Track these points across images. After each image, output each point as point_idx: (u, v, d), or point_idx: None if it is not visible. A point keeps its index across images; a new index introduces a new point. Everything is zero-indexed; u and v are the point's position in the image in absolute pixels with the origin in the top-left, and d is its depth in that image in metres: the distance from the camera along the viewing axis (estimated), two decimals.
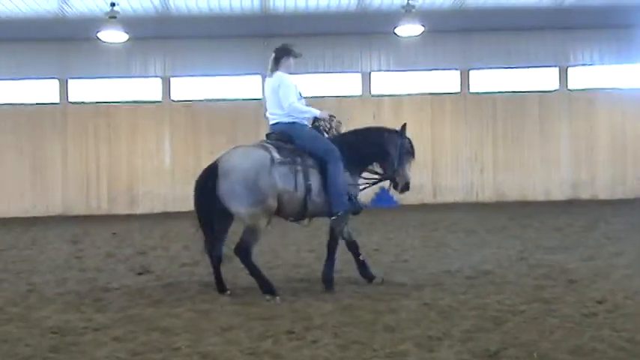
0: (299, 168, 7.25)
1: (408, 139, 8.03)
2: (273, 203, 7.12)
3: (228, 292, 7.34)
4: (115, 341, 5.42)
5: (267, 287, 7.09)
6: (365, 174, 7.97)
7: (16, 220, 18.86)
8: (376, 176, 8.02)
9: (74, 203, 21.07)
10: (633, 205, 18.37)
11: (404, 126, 8.01)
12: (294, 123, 7.51)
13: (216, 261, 7.39)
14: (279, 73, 7.58)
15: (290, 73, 7.64)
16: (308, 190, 7.24)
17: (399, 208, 19.76)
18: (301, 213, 7.42)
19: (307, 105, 7.71)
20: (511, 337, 5.22)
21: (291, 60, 7.69)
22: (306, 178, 7.25)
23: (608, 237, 11.50)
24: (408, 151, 8.00)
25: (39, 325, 6.01)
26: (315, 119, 7.72)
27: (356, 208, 7.53)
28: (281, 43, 7.83)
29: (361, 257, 7.80)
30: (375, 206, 20.26)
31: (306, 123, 7.64)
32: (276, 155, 7.20)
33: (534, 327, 5.55)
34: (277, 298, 6.90)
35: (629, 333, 5.27)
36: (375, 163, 7.96)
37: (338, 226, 7.51)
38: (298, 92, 7.62)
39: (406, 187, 7.98)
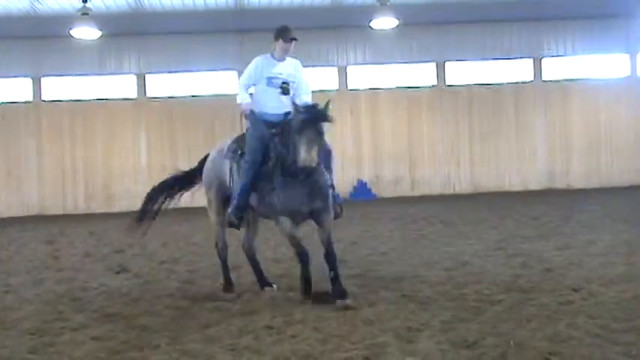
0: (233, 164, 7.00)
1: (306, 112, 6.31)
2: (215, 194, 7.30)
3: (274, 285, 7.29)
4: (93, 341, 5.38)
5: (225, 286, 7.28)
6: None
7: None
8: None
9: (50, 203, 20.88)
10: (607, 193, 18.59)
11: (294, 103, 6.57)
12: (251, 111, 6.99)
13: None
14: None
15: (283, 57, 7.02)
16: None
17: (378, 201, 19.82)
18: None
19: (295, 101, 6.65)
20: (489, 327, 5.26)
21: (281, 42, 6.94)
22: (232, 175, 7.01)
23: (583, 226, 11.64)
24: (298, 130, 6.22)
25: (16, 327, 5.95)
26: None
27: (231, 221, 6.90)
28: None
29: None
30: (353, 199, 20.35)
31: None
32: (225, 150, 7.17)
33: (512, 316, 5.60)
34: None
35: (604, 320, 5.34)
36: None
37: (280, 231, 6.79)
38: (279, 81, 6.91)
39: (301, 171, 6.23)
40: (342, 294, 6.19)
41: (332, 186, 6.76)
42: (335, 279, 6.28)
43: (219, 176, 7.24)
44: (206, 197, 7.48)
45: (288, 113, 6.74)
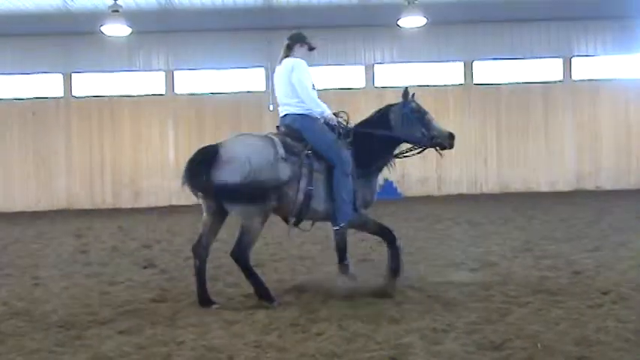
0: (304, 170, 6.49)
1: (412, 102, 7.08)
2: (272, 202, 6.37)
3: (215, 306, 6.37)
4: (120, 335, 5.42)
5: (264, 293, 6.39)
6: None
7: (21, 215, 18.92)
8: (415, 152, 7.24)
9: (79, 197, 21.14)
10: (637, 195, 18.32)
11: (405, 92, 7.07)
12: (305, 115, 6.72)
13: (202, 265, 6.54)
14: (291, 59, 6.85)
15: None
16: (308, 195, 6.50)
17: (404, 201, 19.75)
18: (299, 217, 6.67)
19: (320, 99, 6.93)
20: (516, 329, 5.21)
21: (306, 49, 6.98)
22: (309, 182, 6.49)
23: (612, 228, 11.48)
24: (416, 115, 7.03)
25: (44, 320, 6.02)
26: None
27: (358, 222, 6.85)
28: (293, 32, 7.29)
29: (346, 262, 7.06)
30: (379, 198, 20.29)
31: (318, 117, 6.75)
32: (282, 151, 6.40)
33: (539, 318, 5.54)
34: (275, 303, 6.30)
35: (634, 324, 5.25)
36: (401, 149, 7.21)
37: (339, 235, 6.87)
38: (312, 83, 6.90)
39: (451, 140, 7.19)
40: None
41: None
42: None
43: (271, 184, 6.30)
44: (245, 206, 6.32)
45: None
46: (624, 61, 21.73)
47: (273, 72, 7.15)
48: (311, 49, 7.07)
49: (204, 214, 6.63)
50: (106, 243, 11.81)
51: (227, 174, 6.23)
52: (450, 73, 21.74)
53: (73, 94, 21.37)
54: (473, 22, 21.07)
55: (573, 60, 21.77)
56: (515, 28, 21.43)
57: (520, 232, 11.39)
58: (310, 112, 6.74)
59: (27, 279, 8.27)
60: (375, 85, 21.54)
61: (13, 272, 8.84)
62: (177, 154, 21.25)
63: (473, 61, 21.68)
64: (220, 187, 6.25)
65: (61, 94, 21.33)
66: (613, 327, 5.19)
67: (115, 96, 21.35)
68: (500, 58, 21.68)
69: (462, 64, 21.69)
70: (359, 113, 7.37)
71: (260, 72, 20.93)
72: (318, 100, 6.80)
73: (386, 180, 21.02)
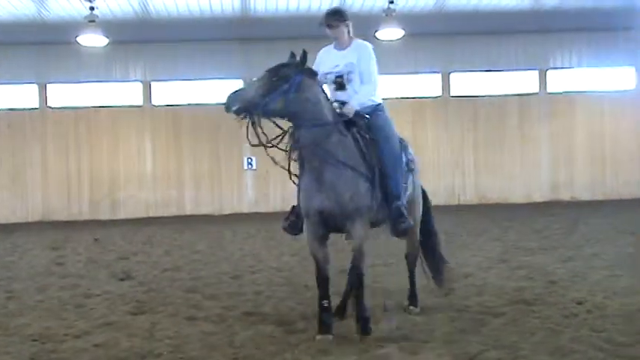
0: None
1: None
2: None
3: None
4: (96, 348, 5.38)
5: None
6: None
7: None
8: None
9: (55, 209, 20.89)
10: (612, 206, 18.55)
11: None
12: None
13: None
14: None
15: (342, 44, 6.26)
16: None
17: None
18: None
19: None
20: (492, 339, 5.25)
21: (328, 31, 6.28)
22: None
23: (587, 238, 11.60)
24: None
25: (19, 333, 5.96)
26: None
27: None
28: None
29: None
30: None
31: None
32: None
33: (515, 329, 5.59)
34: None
35: (608, 333, 5.32)
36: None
37: None
38: (332, 76, 6.13)
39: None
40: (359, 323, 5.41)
41: (395, 195, 5.75)
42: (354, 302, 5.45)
43: None
44: None
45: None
46: (599, 74, 22.00)
47: None
48: (325, 26, 6.29)
49: None
50: (82, 255, 11.70)
51: None
52: (427, 84, 21.88)
53: (49, 104, 21.17)
54: (450, 34, 21.23)
55: (549, 72, 22.01)
56: (491, 41, 21.61)
57: (496, 242, 11.48)
58: None
59: (1, 292, 8.17)
60: None
61: None
62: (154, 165, 21.11)
63: (450, 73, 21.85)
64: None
65: (37, 105, 21.12)
66: (587, 336, 5.25)
67: (91, 107, 21.17)
68: (477, 71, 21.85)
69: (439, 75, 21.84)
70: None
71: (238, 83, 20.87)
72: None
73: None
